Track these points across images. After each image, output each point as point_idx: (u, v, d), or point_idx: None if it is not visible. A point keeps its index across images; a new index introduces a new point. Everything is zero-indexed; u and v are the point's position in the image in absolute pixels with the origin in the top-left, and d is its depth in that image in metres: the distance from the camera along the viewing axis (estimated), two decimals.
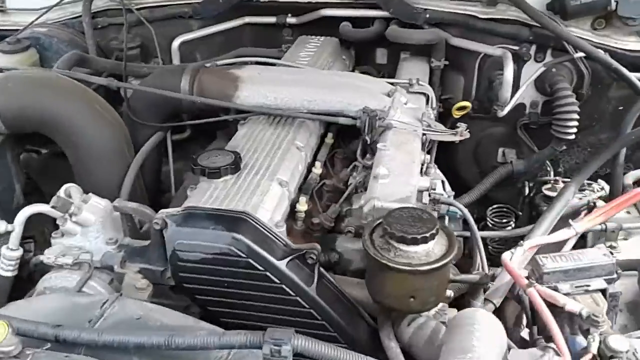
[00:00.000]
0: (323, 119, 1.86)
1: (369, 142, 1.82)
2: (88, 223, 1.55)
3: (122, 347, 0.98)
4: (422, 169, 1.72)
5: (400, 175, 1.59)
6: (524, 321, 1.53)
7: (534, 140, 2.42)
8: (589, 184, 2.10)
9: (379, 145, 1.73)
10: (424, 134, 1.82)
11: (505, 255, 1.31)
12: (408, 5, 2.38)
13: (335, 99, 1.90)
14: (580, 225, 1.51)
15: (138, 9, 2.56)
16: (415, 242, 1.25)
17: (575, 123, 2.18)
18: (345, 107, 1.87)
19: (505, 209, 2.47)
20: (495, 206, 2.45)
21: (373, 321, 1.46)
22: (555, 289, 1.19)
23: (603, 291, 1.31)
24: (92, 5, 2.56)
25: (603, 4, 2.07)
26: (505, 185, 2.44)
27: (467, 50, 2.33)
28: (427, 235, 1.25)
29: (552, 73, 2.21)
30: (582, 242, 1.73)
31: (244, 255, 1.34)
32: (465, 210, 1.63)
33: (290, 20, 2.67)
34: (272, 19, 2.69)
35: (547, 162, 2.35)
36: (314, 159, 1.91)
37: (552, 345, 1.12)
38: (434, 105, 2.12)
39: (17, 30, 2.49)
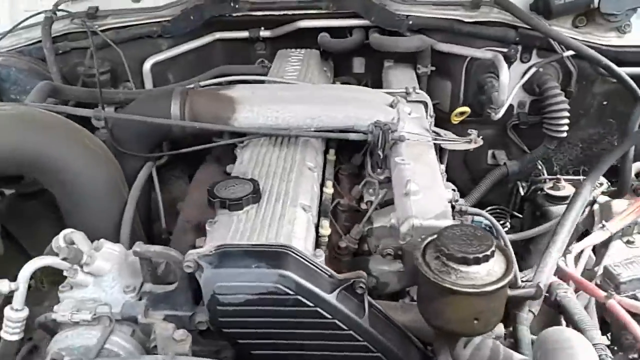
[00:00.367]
0: (334, 136, 1.78)
1: (381, 156, 1.76)
2: (102, 272, 1.41)
3: None
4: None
5: (430, 190, 1.53)
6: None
7: (522, 140, 2.44)
8: None
9: (397, 160, 1.67)
10: (436, 144, 1.77)
11: (562, 265, 1.28)
12: (390, 13, 2.34)
13: (340, 114, 1.83)
14: (614, 225, 1.50)
15: (103, 31, 2.40)
16: (477, 261, 1.19)
17: (567, 121, 2.21)
18: (353, 122, 1.80)
19: (499, 210, 2.48)
20: (489, 208, 2.45)
21: (422, 345, 1.40)
22: (635, 298, 1.16)
23: None
24: (52, 29, 2.38)
25: (586, 1, 2.10)
26: (495, 186, 2.45)
27: (454, 54, 2.32)
28: (488, 253, 1.20)
29: (540, 73, 2.23)
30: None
31: (292, 293, 1.24)
32: (494, 220, 1.60)
33: (264, 33, 2.58)
34: (244, 34, 2.59)
35: (539, 161, 2.37)
36: (323, 177, 1.83)
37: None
38: (432, 113, 2.08)
39: None
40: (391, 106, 1.89)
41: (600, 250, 1.72)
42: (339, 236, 1.69)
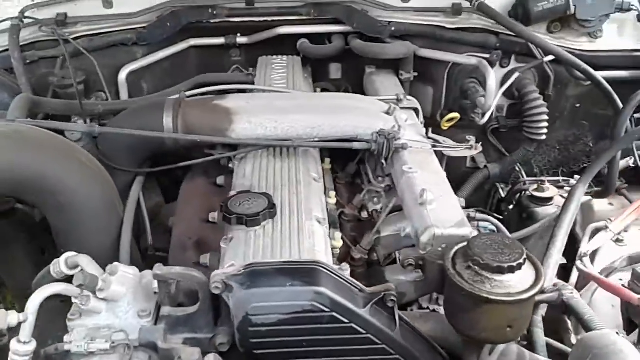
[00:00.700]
0: (339, 145, 1.77)
1: (385, 165, 1.77)
2: (118, 297, 1.34)
3: None
4: None
5: (443, 198, 1.54)
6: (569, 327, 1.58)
7: (500, 143, 2.50)
8: (567, 181, 2.22)
9: (404, 168, 1.67)
10: (438, 151, 1.79)
11: (584, 268, 1.32)
12: (372, 20, 2.34)
13: (340, 123, 1.81)
14: (616, 226, 1.57)
15: (75, 39, 2.28)
16: (511, 270, 1.22)
17: (546, 124, 2.29)
18: (354, 131, 1.79)
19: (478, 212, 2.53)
20: (469, 210, 2.49)
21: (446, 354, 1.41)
22: None
23: None
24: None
25: (564, 8, 2.18)
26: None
27: (436, 60, 2.35)
28: (521, 261, 1.22)
29: (520, 77, 2.29)
30: None
31: (327, 310, 1.22)
32: (501, 226, 1.63)
33: (241, 40, 2.53)
34: (220, 40, 2.53)
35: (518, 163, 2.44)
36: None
37: None
38: (422, 120, 2.10)
39: None
40: (387, 113, 1.90)
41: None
42: (348, 247, 1.68)
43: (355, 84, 2.52)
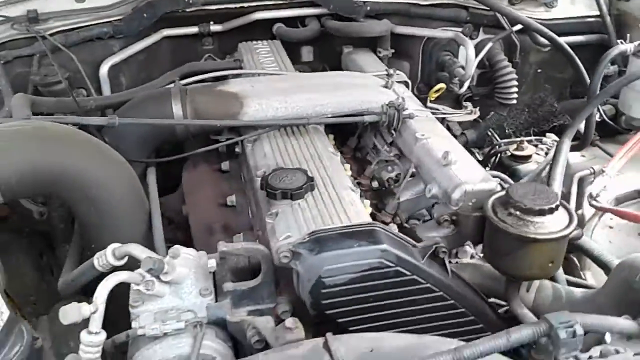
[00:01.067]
0: (350, 120, 1.85)
1: (394, 135, 1.87)
2: (182, 279, 1.36)
3: None
4: None
5: (462, 158, 1.66)
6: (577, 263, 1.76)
7: None
8: (539, 140, 2.42)
9: (417, 135, 1.78)
10: (444, 118, 1.91)
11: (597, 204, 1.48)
12: (348, 0, 2.43)
13: (346, 99, 1.90)
14: (611, 168, 1.75)
15: (51, 35, 2.22)
16: (551, 212, 1.35)
17: (516, 89, 2.48)
18: (360, 106, 1.88)
19: None
20: None
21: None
22: None
23: None
24: None
25: None
26: None
27: (411, 36, 2.47)
28: (558, 203, 1.37)
29: (490, 47, 2.46)
30: None
31: (393, 265, 1.31)
32: (510, 180, 1.78)
33: (215, 27, 2.55)
34: (193, 29, 2.54)
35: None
36: None
37: None
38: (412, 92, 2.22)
39: None
40: (386, 87, 2.00)
41: None
42: (373, 214, 1.77)
43: (335, 66, 2.59)
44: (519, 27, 2.43)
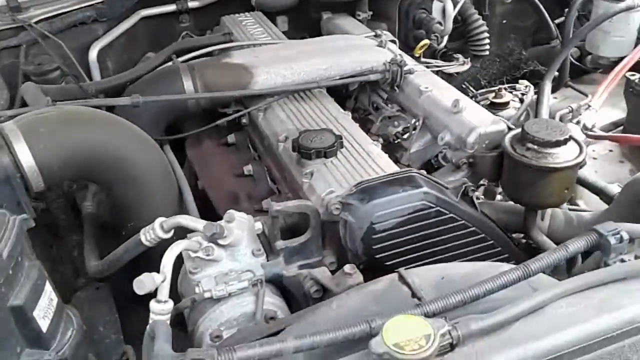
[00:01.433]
0: (358, 80, 1.95)
1: (396, 91, 1.98)
2: (238, 242, 1.44)
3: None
4: None
5: (469, 105, 1.79)
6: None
7: None
8: (513, 87, 2.59)
9: (421, 88, 1.90)
10: (439, 71, 2.03)
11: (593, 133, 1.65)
12: None
13: (346, 61, 1.99)
14: (596, 100, 1.93)
15: (36, 23, 2.18)
16: (565, 143, 1.51)
17: (488, 40, 2.62)
18: (361, 66, 1.97)
19: None
20: None
21: None
22: None
23: None
24: None
25: None
26: None
27: None
28: (570, 134, 1.52)
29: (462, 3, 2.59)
30: None
31: (434, 205, 1.44)
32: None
33: (192, 4, 2.57)
34: (171, 7, 2.55)
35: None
36: None
37: None
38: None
39: None
40: (380, 47, 2.10)
41: None
42: None
43: (315, 33, 2.65)
44: None
